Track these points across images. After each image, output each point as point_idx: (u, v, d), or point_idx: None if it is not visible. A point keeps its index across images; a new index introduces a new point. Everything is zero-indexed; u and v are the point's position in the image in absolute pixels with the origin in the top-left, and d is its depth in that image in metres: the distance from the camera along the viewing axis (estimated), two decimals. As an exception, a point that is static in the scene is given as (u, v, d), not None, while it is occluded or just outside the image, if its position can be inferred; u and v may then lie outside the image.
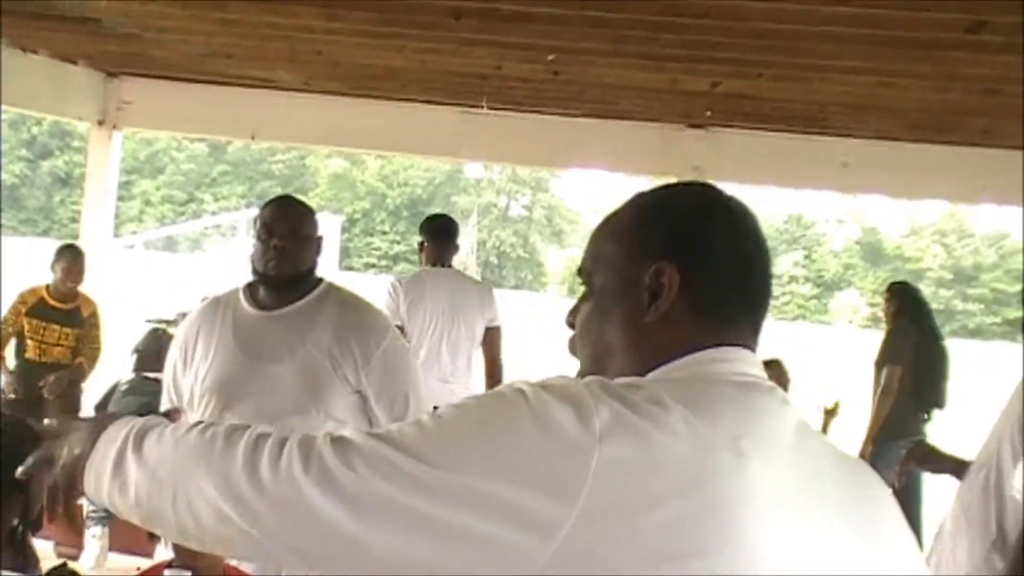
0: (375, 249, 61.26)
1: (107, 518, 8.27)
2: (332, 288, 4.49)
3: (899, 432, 9.11)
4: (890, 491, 1.85)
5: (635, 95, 8.74)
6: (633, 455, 1.51)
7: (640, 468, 1.51)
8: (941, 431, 9.47)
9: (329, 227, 36.33)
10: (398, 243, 62.94)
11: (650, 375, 1.72)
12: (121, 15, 7.51)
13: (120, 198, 11.66)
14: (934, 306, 10.13)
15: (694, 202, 1.83)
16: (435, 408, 1.78)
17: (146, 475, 1.74)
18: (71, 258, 9.12)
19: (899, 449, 9.00)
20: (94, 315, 9.25)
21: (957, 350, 9.94)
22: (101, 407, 9.18)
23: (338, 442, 1.59)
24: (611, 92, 8.69)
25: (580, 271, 1.90)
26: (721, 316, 1.77)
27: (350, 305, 4.48)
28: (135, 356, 9.39)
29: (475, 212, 62.79)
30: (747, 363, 1.76)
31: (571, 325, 1.92)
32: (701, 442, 1.56)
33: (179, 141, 58.65)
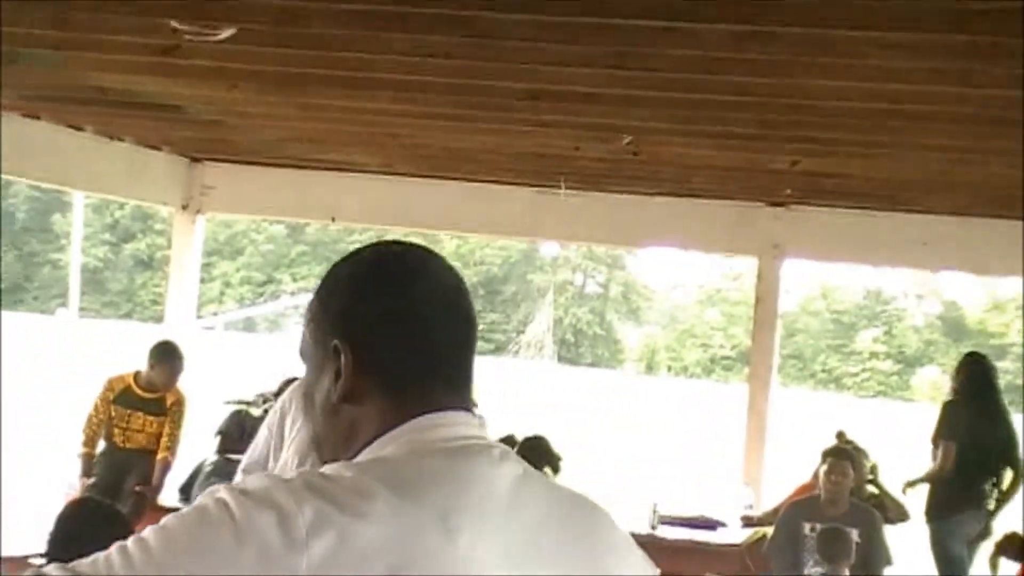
0: (452, 328, 61.09)
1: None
2: None
3: (954, 507, 9.05)
4: (619, 530, 1.84)
5: (711, 173, 8.77)
6: (341, 552, 1.50)
7: (349, 564, 1.50)
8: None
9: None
10: (475, 322, 63.07)
11: (359, 457, 1.68)
12: (203, 102, 7.66)
13: (201, 280, 11.81)
14: (1019, 382, 10.02)
15: (352, 273, 1.78)
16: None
17: None
18: (176, 364, 9.17)
19: (955, 524, 8.94)
20: (178, 403, 9.26)
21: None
22: (185, 489, 9.23)
23: None
24: (687, 171, 8.72)
25: (301, 354, 1.84)
26: (407, 385, 1.71)
27: None
28: (218, 438, 9.44)
29: (551, 290, 62.76)
30: (456, 425, 1.71)
31: None
32: (407, 525, 1.55)
33: (258, 223, 59.26)
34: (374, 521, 1.53)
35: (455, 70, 5.97)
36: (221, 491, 1.56)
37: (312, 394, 1.76)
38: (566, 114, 6.83)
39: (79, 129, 9.23)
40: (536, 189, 10.06)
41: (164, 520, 1.56)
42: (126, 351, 9.61)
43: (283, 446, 4.61)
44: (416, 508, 1.56)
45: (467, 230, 14.84)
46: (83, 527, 2.85)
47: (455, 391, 1.74)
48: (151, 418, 9.22)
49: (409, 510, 1.56)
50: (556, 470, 8.79)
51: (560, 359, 59.19)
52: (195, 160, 10.67)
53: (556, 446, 8.99)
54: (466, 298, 1.81)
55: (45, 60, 6.61)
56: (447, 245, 64.48)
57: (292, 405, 4.64)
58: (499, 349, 61.22)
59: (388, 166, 9.92)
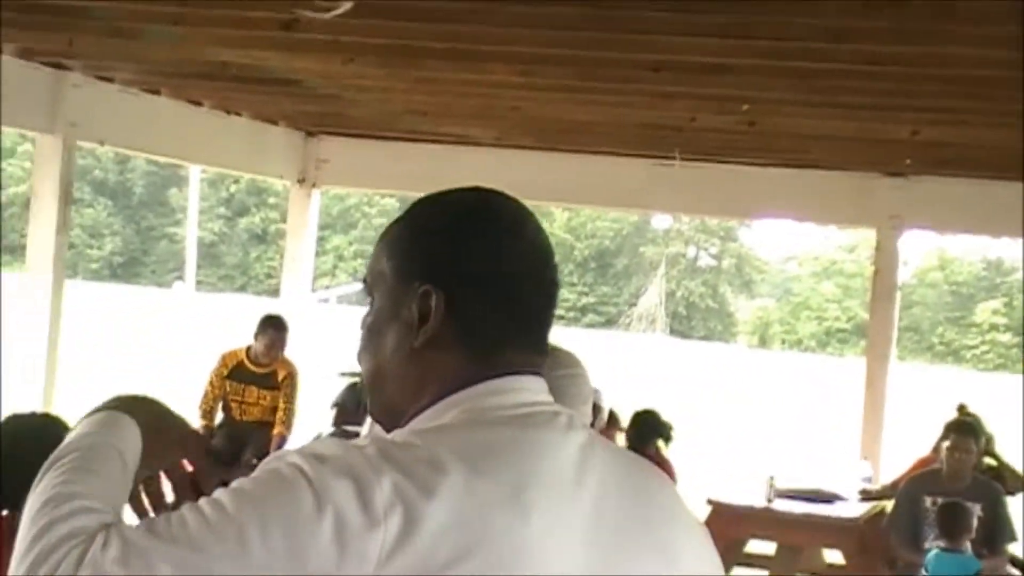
0: (563, 301, 60.78)
1: None
2: None
3: None
4: (677, 495, 1.80)
5: (829, 143, 8.65)
6: (417, 527, 1.48)
7: (425, 539, 1.49)
8: None
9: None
10: (586, 295, 63.02)
11: (426, 413, 1.67)
12: (320, 76, 7.70)
13: (314, 253, 11.92)
14: None
15: (454, 218, 1.73)
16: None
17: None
18: (275, 335, 9.28)
19: None
20: (289, 376, 9.41)
21: None
22: (302, 460, 9.32)
23: (114, 540, 1.50)
24: (804, 141, 8.62)
25: (364, 282, 1.80)
26: (491, 342, 1.69)
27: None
28: (335, 409, 9.53)
29: (663, 262, 62.54)
30: (525, 391, 1.70)
31: None
32: (481, 503, 1.53)
33: (370, 196, 59.74)
34: (448, 497, 1.51)
35: (573, 42, 5.94)
36: (293, 455, 1.54)
37: (381, 330, 1.73)
38: (685, 85, 6.77)
39: (198, 104, 9.34)
40: (650, 160, 10.00)
41: (235, 483, 1.55)
42: (241, 324, 9.72)
43: None
44: (489, 483, 1.55)
45: (579, 202, 14.79)
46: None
47: (532, 354, 1.73)
48: (264, 392, 9.37)
49: (482, 487, 1.54)
50: (668, 440, 8.74)
51: (672, 332, 59.00)
52: (311, 134, 10.74)
53: (668, 419, 8.95)
54: (553, 261, 1.78)
55: (166, 36, 6.69)
56: (558, 217, 64.57)
57: None
58: (611, 322, 61.20)
59: (501, 138, 9.92)
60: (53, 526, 1.55)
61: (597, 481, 1.66)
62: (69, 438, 1.73)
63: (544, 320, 1.75)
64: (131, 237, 63.26)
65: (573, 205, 31.74)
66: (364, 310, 1.80)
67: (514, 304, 1.71)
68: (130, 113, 8.80)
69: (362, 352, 1.78)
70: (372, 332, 1.75)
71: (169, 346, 27.39)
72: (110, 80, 8.39)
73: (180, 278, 48.73)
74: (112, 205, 62.05)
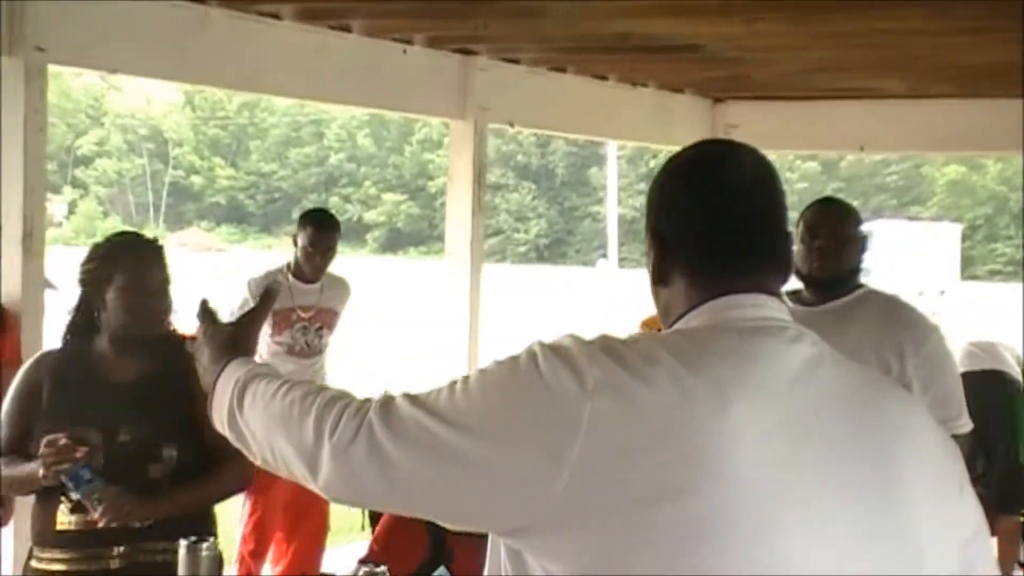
0: (999, 256, 58.86)
1: None
2: (874, 291, 4.64)
3: None
4: (920, 415, 1.91)
5: None
6: (619, 408, 1.72)
7: (625, 420, 1.71)
8: None
9: (949, 236, 35.28)
10: (1024, 247, 60.42)
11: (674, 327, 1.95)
12: (722, 40, 7.58)
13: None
14: None
15: (667, 171, 2.04)
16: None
17: (249, 433, 2.13)
18: None
19: None
20: None
21: None
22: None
23: (385, 410, 1.88)
24: None
25: None
26: (708, 270, 1.94)
27: (895, 303, 4.62)
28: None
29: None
30: (758, 307, 1.89)
31: None
32: (683, 392, 1.72)
33: (790, 161, 59.04)
34: (653, 385, 1.73)
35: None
36: (536, 344, 1.85)
37: (648, 271, 2.04)
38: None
39: (603, 79, 9.39)
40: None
41: (487, 365, 1.88)
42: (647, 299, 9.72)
43: None
44: (694, 377, 1.74)
45: (1010, 150, 14.02)
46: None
47: (754, 276, 1.94)
48: None
49: (687, 379, 1.74)
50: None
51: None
52: (718, 100, 10.63)
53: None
54: (770, 186, 2.00)
55: (566, 12, 6.73)
56: (991, 169, 62.09)
57: None
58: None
59: (916, 88, 9.52)
60: (322, 416, 1.96)
61: (819, 391, 1.81)
62: (229, 394, 2.21)
63: (761, 243, 1.95)
64: (555, 218, 64.87)
65: (1004, 154, 30.38)
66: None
67: (723, 235, 1.94)
68: (538, 92, 8.92)
69: None
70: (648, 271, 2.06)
71: (598, 324, 27.79)
72: (516, 62, 8.52)
73: (604, 256, 49.53)
74: (535, 188, 63.80)
